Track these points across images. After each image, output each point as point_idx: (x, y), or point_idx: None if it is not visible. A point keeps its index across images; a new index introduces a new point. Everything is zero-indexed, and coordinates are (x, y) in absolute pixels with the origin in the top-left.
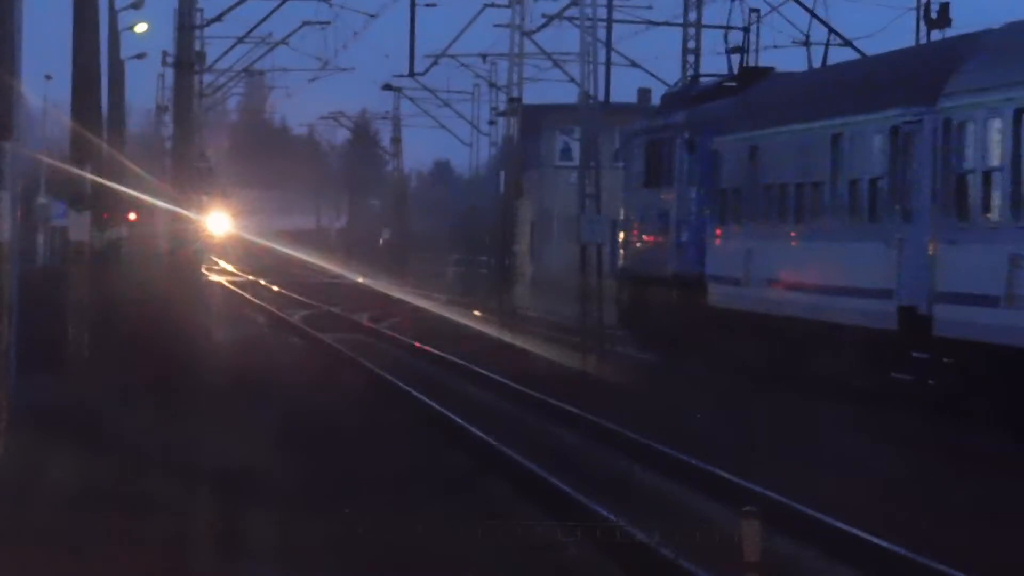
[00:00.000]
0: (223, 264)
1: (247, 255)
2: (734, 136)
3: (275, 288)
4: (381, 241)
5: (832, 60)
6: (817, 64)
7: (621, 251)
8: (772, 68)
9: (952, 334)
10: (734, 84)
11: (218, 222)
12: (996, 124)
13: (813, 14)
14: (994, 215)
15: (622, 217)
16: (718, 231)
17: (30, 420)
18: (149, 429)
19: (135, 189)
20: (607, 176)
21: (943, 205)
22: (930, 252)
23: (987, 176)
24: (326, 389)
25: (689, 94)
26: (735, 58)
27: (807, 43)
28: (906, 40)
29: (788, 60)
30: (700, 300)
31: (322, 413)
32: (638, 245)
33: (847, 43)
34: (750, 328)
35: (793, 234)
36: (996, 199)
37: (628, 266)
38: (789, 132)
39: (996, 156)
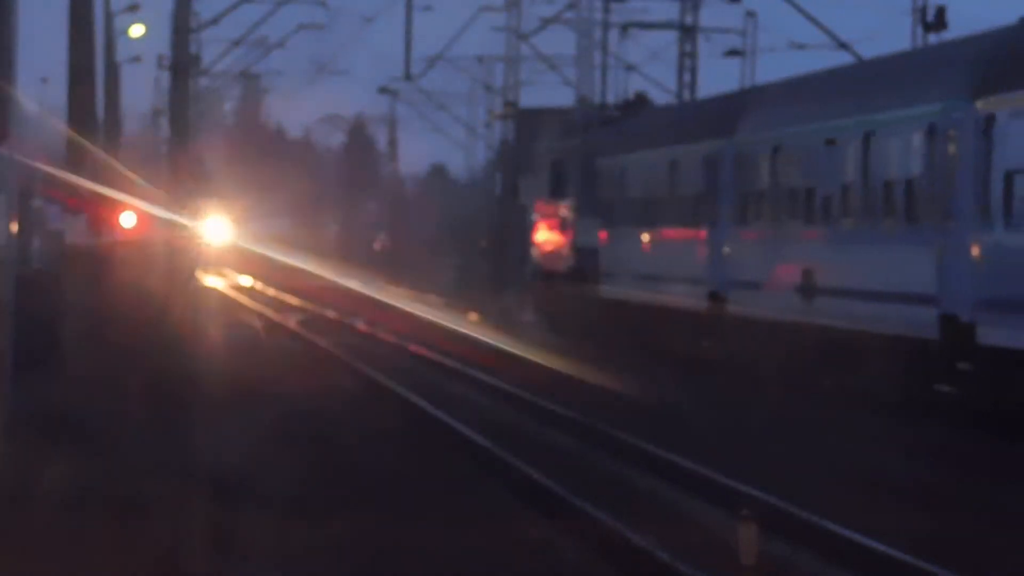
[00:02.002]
0: (228, 275)
1: (249, 264)
2: (609, 159)
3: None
4: (378, 246)
5: (830, 62)
6: (815, 65)
7: (534, 251)
8: (649, 101)
9: None
10: (617, 114)
11: (217, 228)
12: (768, 157)
13: (810, 17)
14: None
15: (534, 222)
16: (601, 235)
17: (25, 424)
18: (147, 432)
19: (129, 194)
20: None
21: (734, 216)
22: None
23: (761, 195)
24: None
25: (584, 121)
26: (732, 62)
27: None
28: (902, 43)
29: (788, 61)
30: (590, 292)
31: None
32: (546, 246)
33: (843, 46)
34: (624, 313)
35: (646, 238)
36: (767, 212)
37: (539, 263)
38: (642, 157)
39: (765, 181)
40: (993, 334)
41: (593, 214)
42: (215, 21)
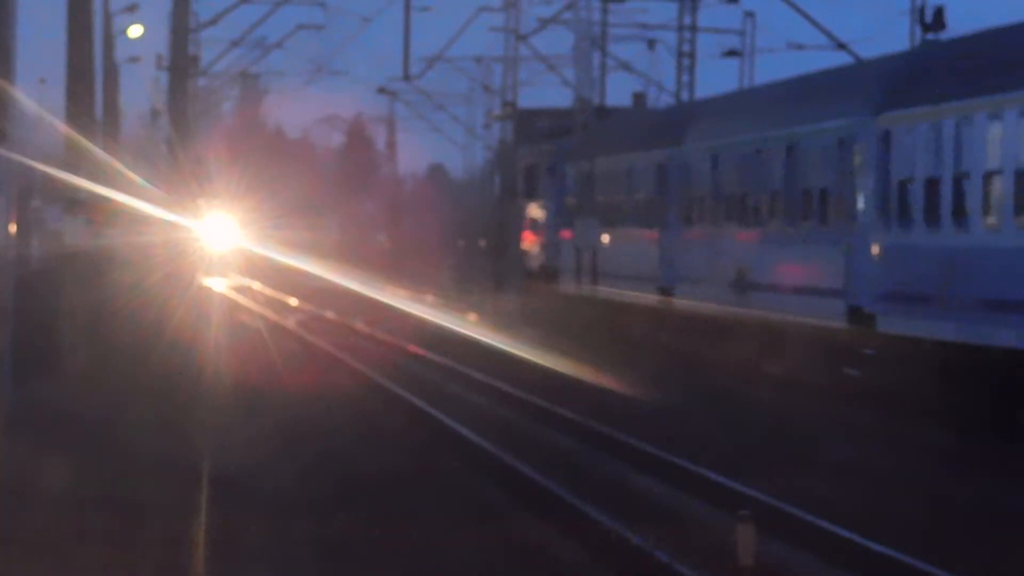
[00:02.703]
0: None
1: (254, 267)
2: (576, 164)
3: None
4: (382, 243)
5: (829, 63)
6: (814, 65)
7: (523, 247)
8: (614, 109)
9: None
10: (583, 123)
11: (221, 231)
12: (708, 164)
13: (808, 18)
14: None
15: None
16: (568, 235)
17: (25, 424)
18: (144, 433)
19: (128, 195)
20: None
21: (681, 218)
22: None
23: (703, 200)
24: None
25: (557, 127)
26: (732, 61)
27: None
28: (901, 43)
29: (787, 62)
30: (554, 287)
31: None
32: (520, 245)
33: (842, 47)
34: (590, 308)
35: (607, 238)
36: (708, 215)
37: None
38: (604, 163)
39: (707, 187)
40: (890, 322)
41: (562, 216)
42: (214, 21)
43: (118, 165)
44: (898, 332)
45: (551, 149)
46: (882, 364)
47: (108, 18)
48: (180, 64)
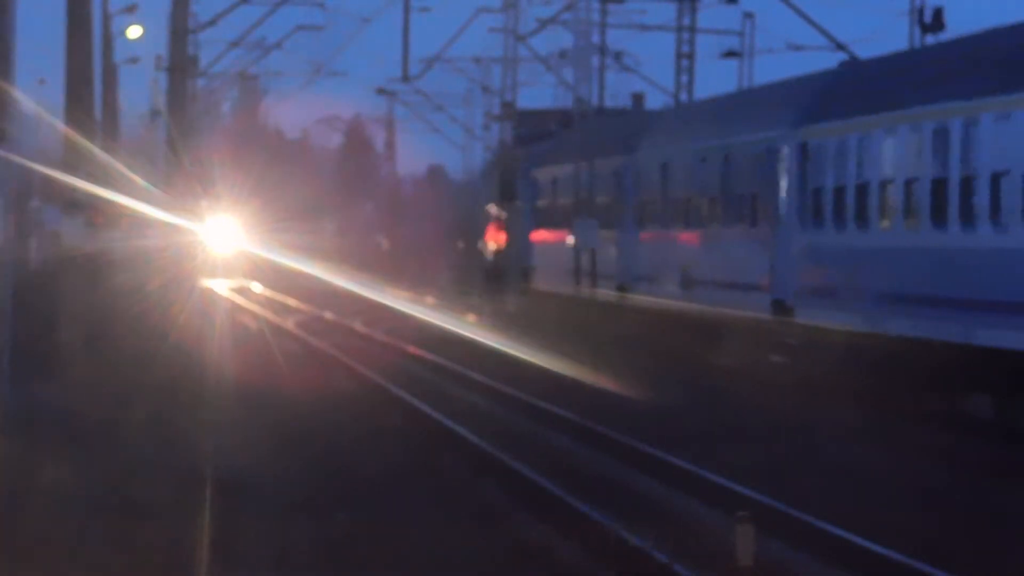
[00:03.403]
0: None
1: (259, 270)
2: (544, 169)
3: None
4: (381, 245)
5: (828, 64)
6: (813, 66)
7: (487, 249)
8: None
9: None
10: (552, 130)
11: (224, 233)
12: (659, 171)
13: (807, 19)
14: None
15: (487, 223)
16: (536, 236)
17: (23, 425)
18: (142, 434)
19: (128, 195)
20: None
21: (636, 220)
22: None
23: (654, 203)
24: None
25: (529, 134)
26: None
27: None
28: (900, 44)
29: (786, 62)
30: (529, 284)
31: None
32: (495, 245)
33: (841, 47)
34: (556, 304)
35: (571, 240)
36: (658, 217)
37: (491, 260)
38: (568, 169)
39: (657, 191)
40: (806, 314)
41: (532, 218)
42: (213, 22)
43: (120, 167)
44: (813, 322)
45: (523, 154)
46: (801, 352)
47: (107, 19)
48: (179, 65)
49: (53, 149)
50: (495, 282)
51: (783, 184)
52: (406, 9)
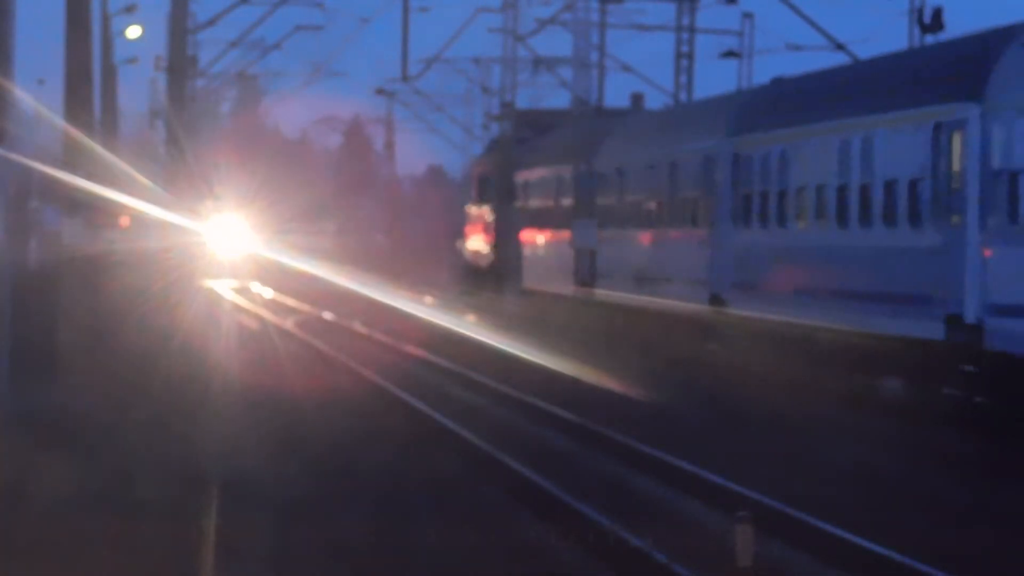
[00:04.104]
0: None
1: (268, 274)
2: (516, 172)
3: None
4: (380, 245)
5: (827, 64)
6: (812, 66)
7: (466, 248)
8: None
9: None
10: (528, 136)
11: (230, 235)
12: (616, 176)
13: (806, 18)
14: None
15: (467, 224)
16: (508, 236)
17: (21, 425)
18: (141, 434)
19: (129, 193)
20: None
21: (597, 222)
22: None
23: (612, 206)
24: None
25: (506, 140)
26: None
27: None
28: (899, 44)
29: (785, 63)
30: (504, 284)
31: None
32: (473, 245)
33: (840, 47)
34: (528, 300)
35: (540, 240)
36: (615, 219)
37: (468, 259)
38: (538, 174)
39: (614, 195)
40: (737, 305)
41: (507, 219)
42: (212, 22)
43: (126, 167)
44: (743, 313)
45: (499, 159)
46: (733, 340)
47: (106, 19)
48: (178, 65)
49: (53, 148)
50: (475, 279)
51: (719, 189)
52: (405, 9)
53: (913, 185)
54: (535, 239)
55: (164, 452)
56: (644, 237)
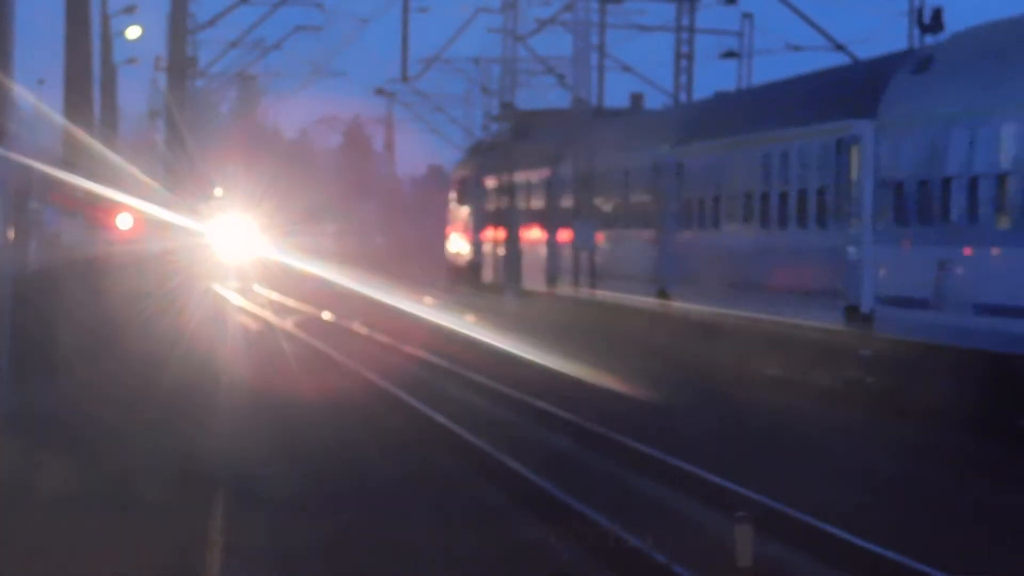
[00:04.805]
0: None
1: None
2: (489, 178)
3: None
4: (380, 246)
5: (827, 64)
6: (812, 67)
7: (448, 248)
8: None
9: None
10: (500, 141)
11: (226, 236)
12: (575, 182)
13: (806, 19)
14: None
15: (449, 225)
16: (484, 237)
17: (21, 425)
18: (140, 434)
19: (129, 192)
20: None
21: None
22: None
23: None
24: None
25: (483, 145)
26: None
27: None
28: (899, 44)
29: (785, 63)
30: (478, 278)
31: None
32: (454, 245)
33: (839, 48)
34: (497, 294)
35: (506, 239)
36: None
37: (450, 260)
38: (507, 177)
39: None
40: (681, 299)
41: (482, 221)
42: (212, 23)
43: (134, 169)
44: (686, 306)
45: (476, 164)
46: (675, 329)
47: (106, 19)
48: (178, 65)
49: (53, 148)
50: (457, 277)
51: (666, 194)
52: (405, 9)
53: (821, 192)
54: (503, 242)
55: (163, 452)
56: (600, 237)
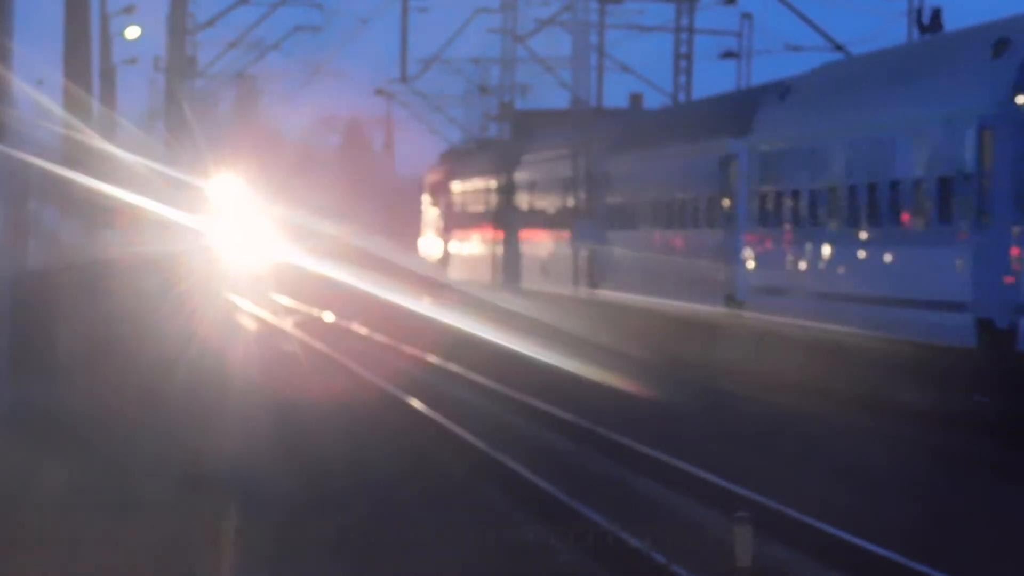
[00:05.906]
0: None
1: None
2: (455, 181)
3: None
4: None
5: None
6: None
7: (420, 248)
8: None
9: None
10: (474, 146)
11: (228, 237)
12: (527, 187)
13: (806, 19)
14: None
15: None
16: (456, 239)
17: (20, 424)
18: (140, 433)
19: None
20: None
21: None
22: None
23: (528, 214)
24: None
25: (460, 150)
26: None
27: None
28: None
29: (784, 63)
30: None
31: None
32: (426, 245)
33: (839, 48)
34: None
35: (475, 242)
36: (529, 223)
37: (425, 257)
38: (472, 182)
39: (526, 204)
40: (606, 290)
41: (451, 225)
42: (211, 23)
43: (154, 166)
44: (608, 298)
45: (445, 169)
46: (602, 316)
47: (105, 20)
48: (177, 65)
49: (53, 148)
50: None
51: (599, 199)
52: (404, 10)
53: (711, 200)
54: (473, 243)
55: (163, 451)
56: (545, 239)
